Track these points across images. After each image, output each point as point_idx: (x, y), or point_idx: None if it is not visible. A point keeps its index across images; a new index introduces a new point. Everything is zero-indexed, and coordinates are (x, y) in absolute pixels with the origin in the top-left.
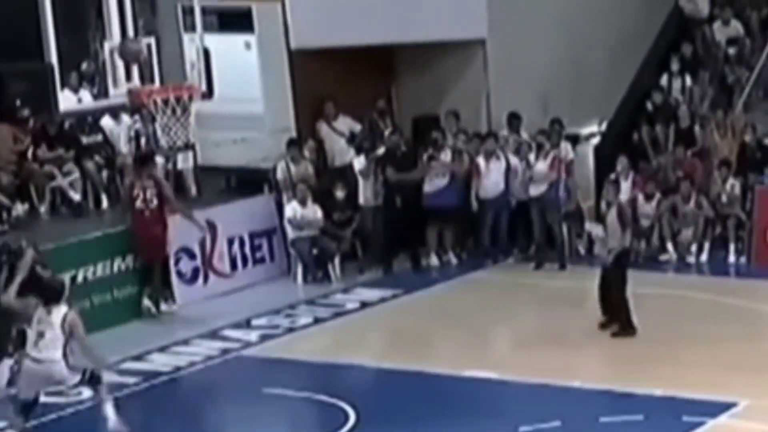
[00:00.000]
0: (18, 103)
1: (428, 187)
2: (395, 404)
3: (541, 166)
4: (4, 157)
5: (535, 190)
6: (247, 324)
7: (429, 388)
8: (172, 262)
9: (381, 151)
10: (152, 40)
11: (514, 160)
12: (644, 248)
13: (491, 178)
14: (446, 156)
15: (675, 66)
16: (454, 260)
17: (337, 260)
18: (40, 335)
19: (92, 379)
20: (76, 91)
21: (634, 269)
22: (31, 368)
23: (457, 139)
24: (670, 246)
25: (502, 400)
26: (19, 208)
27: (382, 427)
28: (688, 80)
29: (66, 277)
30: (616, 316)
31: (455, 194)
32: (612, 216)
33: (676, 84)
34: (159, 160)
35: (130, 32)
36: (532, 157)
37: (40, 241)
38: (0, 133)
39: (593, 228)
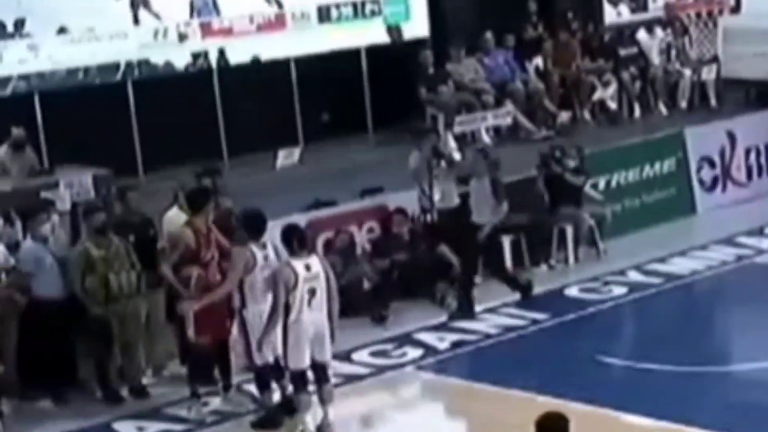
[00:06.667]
0: (570, 15)
1: None
2: None
3: None
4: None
5: None
6: (760, 232)
7: None
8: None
9: None
10: None
11: None
12: None
13: None
14: None
15: None
16: None
17: None
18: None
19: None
20: (616, 4)
21: None
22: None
23: None
24: None
25: None
26: (564, 116)
27: None
28: None
29: (601, 182)
30: None
31: None
32: None
33: None
34: (686, 72)
35: None
36: None
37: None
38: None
39: None
